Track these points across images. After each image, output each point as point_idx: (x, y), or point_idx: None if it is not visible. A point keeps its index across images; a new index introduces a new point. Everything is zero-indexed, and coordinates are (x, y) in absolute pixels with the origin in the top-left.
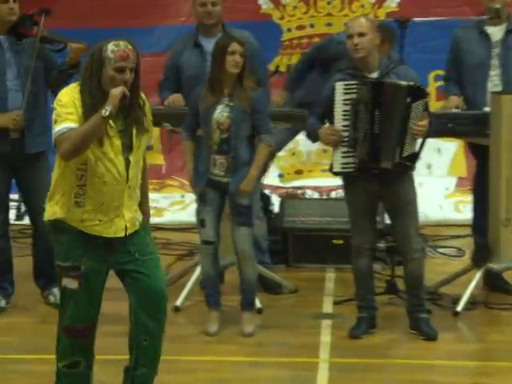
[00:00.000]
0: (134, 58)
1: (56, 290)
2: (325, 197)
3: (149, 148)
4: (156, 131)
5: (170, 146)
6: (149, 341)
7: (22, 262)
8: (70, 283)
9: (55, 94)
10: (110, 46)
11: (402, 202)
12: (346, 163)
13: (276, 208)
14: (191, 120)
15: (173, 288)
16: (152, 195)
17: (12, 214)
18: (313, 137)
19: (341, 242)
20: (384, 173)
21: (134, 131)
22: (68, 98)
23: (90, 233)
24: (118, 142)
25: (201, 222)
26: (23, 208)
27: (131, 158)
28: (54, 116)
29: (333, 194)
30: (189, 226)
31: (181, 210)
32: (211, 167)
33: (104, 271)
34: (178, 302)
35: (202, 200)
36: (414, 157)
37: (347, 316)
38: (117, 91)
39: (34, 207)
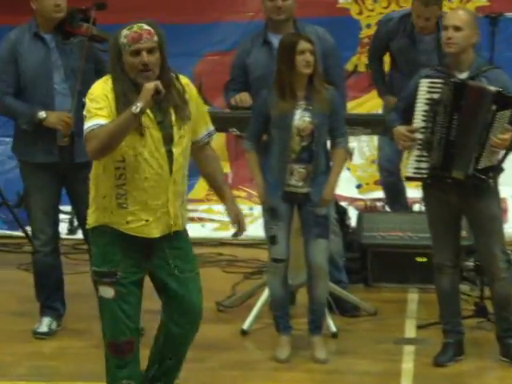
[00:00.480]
0: (151, 37)
1: None
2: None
3: (210, 135)
4: (221, 137)
5: (236, 153)
6: (173, 360)
7: (74, 280)
8: (106, 292)
9: None
10: (124, 32)
11: (485, 218)
12: (419, 168)
13: (353, 222)
14: (257, 127)
15: (239, 309)
16: (216, 207)
17: (64, 227)
18: (390, 134)
19: (424, 259)
20: (459, 184)
21: (174, 119)
22: (99, 91)
23: (135, 234)
24: (157, 134)
25: (272, 239)
26: (76, 221)
27: (174, 150)
28: (84, 112)
29: (415, 207)
30: (257, 241)
31: (248, 224)
32: (287, 178)
33: (141, 279)
34: (245, 326)
35: (273, 215)
36: (492, 170)
37: (432, 341)
38: (149, 86)
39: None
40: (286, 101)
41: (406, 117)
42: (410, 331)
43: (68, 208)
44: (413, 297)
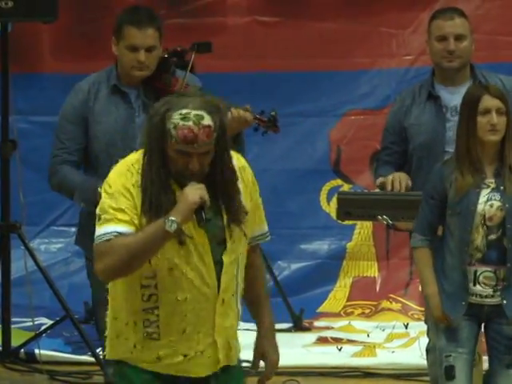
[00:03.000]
0: (209, 138)
1: None
2: None
3: (265, 236)
4: (367, 228)
5: (387, 250)
6: None
7: None
8: None
9: None
10: (176, 117)
11: None
12: None
13: None
14: (432, 215)
15: None
16: (360, 324)
17: None
18: None
19: None
20: None
21: (225, 219)
22: (120, 181)
23: (170, 373)
24: (202, 239)
25: (448, 371)
26: None
27: (225, 259)
28: (98, 210)
29: None
30: (414, 371)
31: (403, 347)
32: (469, 284)
33: None
34: None
35: (453, 337)
36: None
37: None
38: (193, 197)
39: None
40: (467, 178)
41: None
42: None
43: None
44: None
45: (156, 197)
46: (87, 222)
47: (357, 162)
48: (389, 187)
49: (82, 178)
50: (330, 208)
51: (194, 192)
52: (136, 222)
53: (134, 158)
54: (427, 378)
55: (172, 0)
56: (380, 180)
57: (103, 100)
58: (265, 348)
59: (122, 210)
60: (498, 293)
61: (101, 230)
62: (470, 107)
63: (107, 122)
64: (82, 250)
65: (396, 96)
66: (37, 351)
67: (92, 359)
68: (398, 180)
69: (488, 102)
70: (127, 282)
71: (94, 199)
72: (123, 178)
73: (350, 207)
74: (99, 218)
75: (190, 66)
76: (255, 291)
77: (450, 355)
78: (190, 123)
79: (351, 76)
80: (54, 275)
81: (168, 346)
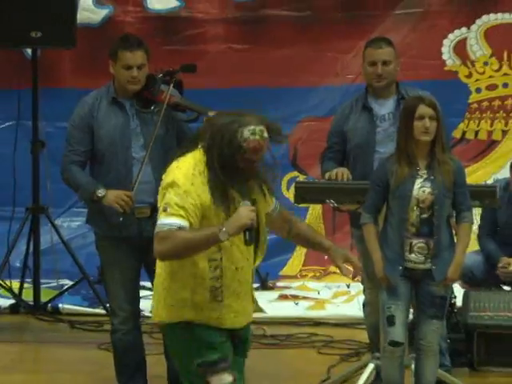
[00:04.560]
0: (267, 148)
1: None
2: None
3: (278, 201)
4: (317, 209)
5: (334, 226)
6: None
7: (159, 362)
8: (224, 379)
9: None
10: (246, 133)
11: None
12: None
13: (459, 301)
14: (377, 198)
15: None
16: (312, 284)
17: (147, 304)
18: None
19: None
20: None
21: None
22: (188, 183)
23: (225, 327)
24: None
25: (389, 320)
26: None
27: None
28: (165, 199)
29: None
30: (354, 321)
31: (345, 303)
32: (406, 253)
33: None
34: None
35: (392, 293)
36: None
37: None
38: (245, 220)
39: None
40: (405, 169)
41: None
42: None
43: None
44: None
45: (222, 193)
46: (93, 206)
47: (309, 158)
48: (334, 178)
49: (86, 180)
50: (289, 194)
51: (247, 214)
52: (192, 220)
53: (192, 162)
54: (363, 326)
55: (166, 31)
56: (328, 174)
57: (104, 110)
58: (342, 252)
59: (184, 209)
60: (429, 260)
61: (165, 220)
62: (408, 114)
63: (108, 127)
64: (92, 227)
65: (338, 107)
66: (60, 305)
67: (103, 311)
68: (341, 173)
69: (423, 109)
70: (199, 261)
71: (91, 199)
72: (190, 180)
73: (305, 193)
74: (165, 210)
75: (173, 81)
76: (307, 229)
77: (391, 307)
78: (257, 137)
79: (305, 91)
80: (74, 246)
81: (228, 307)
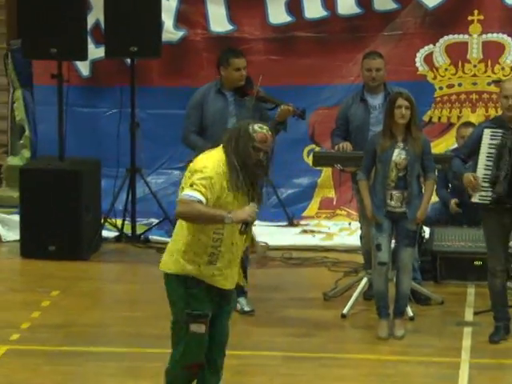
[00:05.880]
0: (271, 143)
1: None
2: (466, 226)
3: None
4: (328, 171)
5: (340, 182)
6: (213, 371)
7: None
8: (198, 328)
9: None
10: (256, 127)
11: None
12: (484, 196)
13: (427, 234)
14: (369, 162)
15: (340, 299)
16: (324, 222)
17: None
18: (457, 177)
19: (480, 263)
20: None
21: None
22: (214, 171)
23: (215, 285)
24: (244, 200)
25: (377, 247)
26: None
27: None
28: (192, 179)
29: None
30: (354, 248)
31: (348, 236)
32: (388, 200)
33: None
34: (345, 310)
35: (379, 228)
36: None
37: (485, 324)
38: (247, 215)
39: None
40: (388, 142)
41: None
42: (469, 316)
43: None
44: (471, 291)
45: (238, 178)
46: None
47: (323, 135)
48: (341, 149)
49: (201, 143)
50: (308, 160)
51: (250, 213)
52: (209, 197)
53: (219, 158)
54: (360, 252)
55: (224, 47)
56: (336, 146)
57: (212, 97)
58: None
59: (206, 188)
60: (404, 205)
61: (190, 192)
62: (391, 104)
63: (213, 108)
64: None
65: (343, 99)
66: (150, 237)
67: None
68: (346, 145)
69: (401, 102)
70: (206, 232)
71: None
72: (215, 170)
73: (320, 160)
74: (191, 184)
75: (259, 81)
76: None
77: (378, 237)
78: (264, 130)
79: (320, 88)
80: (159, 196)
81: (219, 269)
